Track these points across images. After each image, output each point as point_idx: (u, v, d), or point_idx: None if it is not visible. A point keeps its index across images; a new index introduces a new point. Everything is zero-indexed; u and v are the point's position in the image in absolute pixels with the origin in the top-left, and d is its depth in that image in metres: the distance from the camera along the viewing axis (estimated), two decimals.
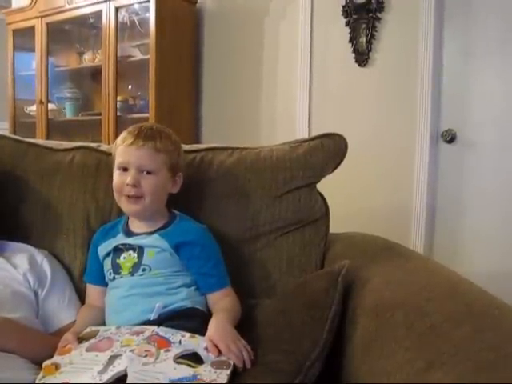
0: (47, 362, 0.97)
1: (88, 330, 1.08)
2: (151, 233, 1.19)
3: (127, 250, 1.18)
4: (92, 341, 1.01)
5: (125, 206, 1.19)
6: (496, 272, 2.41)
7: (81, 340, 1.03)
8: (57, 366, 0.95)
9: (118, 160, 1.18)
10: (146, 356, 0.93)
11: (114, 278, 1.19)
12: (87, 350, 0.99)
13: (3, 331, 1.05)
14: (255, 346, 1.00)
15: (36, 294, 1.23)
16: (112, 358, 0.93)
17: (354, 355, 0.97)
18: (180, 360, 0.93)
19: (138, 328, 1.03)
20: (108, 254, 1.22)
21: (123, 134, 1.19)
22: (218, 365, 0.93)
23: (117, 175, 1.18)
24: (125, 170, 1.16)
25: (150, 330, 1.01)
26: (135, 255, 1.17)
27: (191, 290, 1.16)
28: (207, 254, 1.18)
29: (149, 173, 1.15)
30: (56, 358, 0.98)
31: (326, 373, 0.98)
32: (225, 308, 1.11)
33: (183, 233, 1.18)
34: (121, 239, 1.21)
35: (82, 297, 1.29)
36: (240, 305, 1.14)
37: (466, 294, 0.94)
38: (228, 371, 0.91)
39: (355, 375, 0.94)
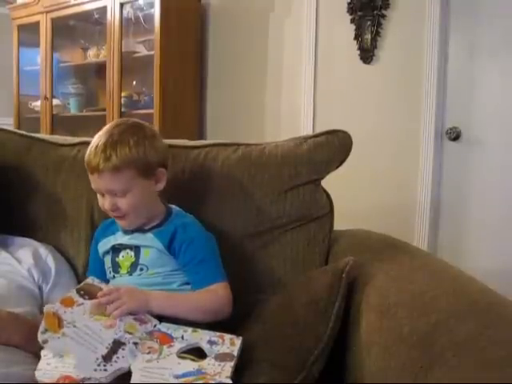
0: (49, 310, 0.96)
1: (90, 280, 1.08)
2: (146, 231, 1.17)
3: (124, 248, 1.18)
4: (95, 302, 1.00)
5: (116, 221, 1.18)
6: (500, 269, 2.40)
7: (83, 293, 1.02)
8: (59, 321, 0.94)
9: (91, 184, 1.15)
10: (149, 353, 0.93)
11: (113, 276, 1.19)
12: (91, 313, 0.98)
13: (7, 326, 1.05)
14: (259, 342, 1.00)
15: (40, 288, 1.23)
16: (116, 345, 0.93)
17: (357, 352, 0.97)
18: (183, 355, 0.94)
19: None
20: (107, 252, 1.21)
21: (86, 154, 1.13)
22: (221, 358, 0.93)
23: (98, 196, 1.16)
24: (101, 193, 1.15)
25: (153, 322, 1.01)
26: (132, 254, 1.17)
27: (190, 288, 1.14)
28: (194, 250, 1.14)
29: (122, 193, 1.12)
30: (58, 308, 0.97)
31: (330, 369, 0.98)
32: (181, 294, 1.11)
33: (174, 231, 1.15)
34: (119, 237, 1.20)
35: None
36: (222, 303, 1.09)
37: (470, 292, 0.93)
38: (232, 363, 0.91)
39: (359, 372, 0.94)
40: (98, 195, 1.16)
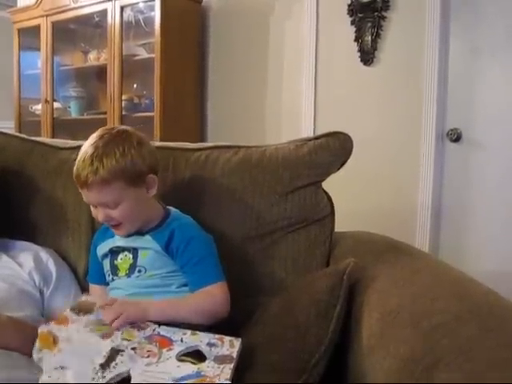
0: (43, 330, 0.95)
1: (84, 298, 1.07)
2: (143, 233, 1.17)
3: (123, 251, 1.18)
4: (91, 317, 1.00)
5: (112, 229, 1.18)
6: (502, 271, 2.40)
7: (78, 311, 1.01)
8: (54, 339, 0.93)
9: (83, 197, 1.14)
10: (148, 357, 0.93)
11: (112, 279, 1.19)
12: (85, 327, 0.97)
13: (7, 330, 1.05)
14: (260, 345, 1.00)
15: (41, 292, 1.23)
16: (113, 352, 0.93)
17: (359, 354, 0.96)
18: (183, 358, 0.93)
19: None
20: (106, 255, 1.21)
21: (74, 168, 1.11)
22: (221, 360, 0.92)
23: (91, 207, 1.16)
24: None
25: (152, 327, 1.01)
26: (130, 256, 1.17)
27: (188, 289, 1.14)
28: (191, 251, 1.13)
29: (113, 204, 1.11)
30: (52, 327, 0.96)
31: (331, 371, 0.98)
32: (176, 299, 1.10)
33: (172, 232, 1.15)
34: (117, 240, 1.20)
35: None
36: (219, 304, 1.09)
37: (472, 294, 0.93)
38: (231, 365, 0.91)
39: (360, 374, 0.94)
40: (91, 206, 1.15)
